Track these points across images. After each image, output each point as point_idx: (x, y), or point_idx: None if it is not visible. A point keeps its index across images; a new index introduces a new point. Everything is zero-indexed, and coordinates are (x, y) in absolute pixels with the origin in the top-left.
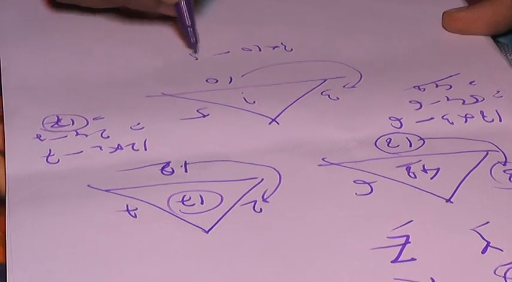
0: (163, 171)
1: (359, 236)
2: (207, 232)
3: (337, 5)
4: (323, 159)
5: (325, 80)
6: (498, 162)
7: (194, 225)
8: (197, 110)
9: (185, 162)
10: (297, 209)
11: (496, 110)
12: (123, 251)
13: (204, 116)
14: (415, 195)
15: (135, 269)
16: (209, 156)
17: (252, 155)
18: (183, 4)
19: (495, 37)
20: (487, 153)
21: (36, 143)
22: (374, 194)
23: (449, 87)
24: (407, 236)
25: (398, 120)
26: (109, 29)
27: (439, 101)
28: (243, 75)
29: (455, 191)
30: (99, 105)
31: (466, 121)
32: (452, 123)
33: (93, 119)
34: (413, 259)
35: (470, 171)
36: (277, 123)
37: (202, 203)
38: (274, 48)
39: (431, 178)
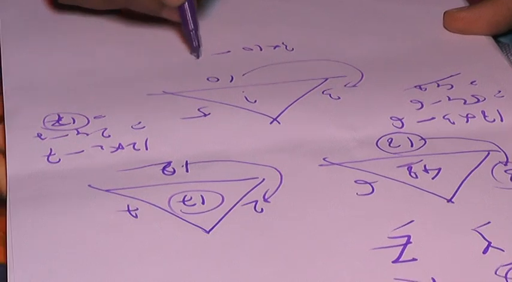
0: (165, 171)
1: (360, 236)
2: (208, 232)
3: (337, 5)
4: (324, 159)
5: (326, 79)
6: (499, 162)
7: (195, 225)
8: (198, 109)
9: (186, 162)
10: (298, 209)
11: (498, 110)
12: (124, 251)
13: (205, 115)
14: (416, 195)
15: (136, 269)
16: (210, 156)
17: (253, 154)
18: (186, 7)
19: (496, 37)
20: (489, 153)
21: (37, 141)
22: (375, 194)
23: (450, 87)
24: (409, 236)
25: (400, 120)
26: (110, 28)
27: (440, 101)
28: (244, 74)
29: (456, 191)
30: (99, 103)
31: (467, 121)
32: (453, 123)
33: (94, 117)
34: (414, 259)
35: (472, 171)
36: (278, 122)
37: (203, 203)
38: (275, 47)
39: (433, 178)
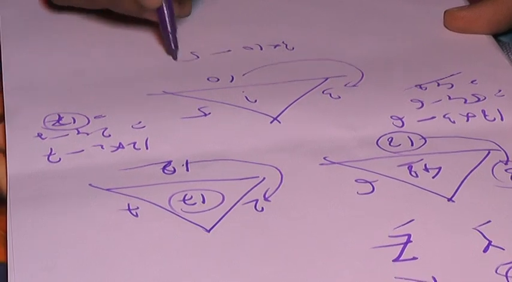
0: (165, 170)
1: (360, 235)
2: (209, 231)
3: (338, 4)
4: (324, 158)
5: (326, 79)
6: (500, 161)
7: (195, 224)
8: (198, 109)
9: (186, 161)
10: (299, 208)
11: (498, 109)
12: (125, 250)
13: (205, 114)
14: (417, 194)
15: (137, 268)
16: (210, 155)
17: (253, 154)
18: (164, 9)
19: (496, 36)
20: (489, 152)
21: (37, 141)
22: (375, 193)
23: (450, 86)
24: (409, 235)
25: (400, 119)
26: (110, 28)
27: (440, 100)
28: (244, 74)
29: (456, 190)
30: (100, 103)
31: (467, 120)
32: (453, 122)
33: (95, 117)
34: (414, 258)
35: (472, 170)
36: (279, 122)
37: (203, 202)
38: (275, 47)
39: (433, 177)
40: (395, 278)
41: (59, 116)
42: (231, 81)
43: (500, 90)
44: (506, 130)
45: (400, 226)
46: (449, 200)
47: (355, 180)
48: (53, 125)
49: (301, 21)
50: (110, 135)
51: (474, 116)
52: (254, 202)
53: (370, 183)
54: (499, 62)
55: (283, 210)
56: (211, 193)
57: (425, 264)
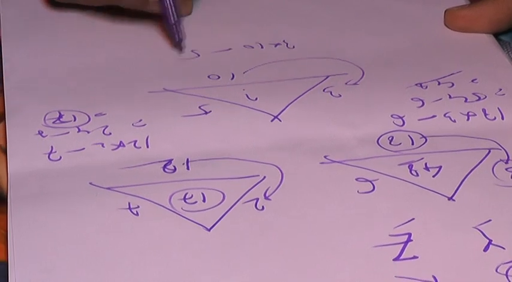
0: (165, 169)
1: (361, 234)
2: (209, 230)
3: (338, 3)
4: (325, 157)
5: (327, 77)
6: (500, 160)
7: (196, 223)
8: (199, 107)
9: (187, 159)
10: (299, 206)
11: (498, 108)
12: (125, 249)
13: (206, 112)
14: (417, 193)
15: (137, 267)
16: (211, 154)
17: (254, 152)
18: (167, 0)
19: (497, 35)
20: (489, 151)
21: (38, 139)
22: (376, 192)
23: (451, 85)
24: (410, 234)
25: (401, 118)
26: (110, 26)
27: (441, 99)
28: (245, 72)
29: (457, 189)
30: (100, 100)
31: (468, 119)
32: (454, 121)
33: (95, 115)
34: (415, 257)
35: (473, 169)
36: (279, 120)
37: (204, 200)
38: (276, 45)
39: (434, 176)
40: (395, 277)
41: (60, 113)
42: (232, 79)
43: (500, 89)
44: (506, 129)
45: (400, 225)
46: (450, 199)
47: (356, 179)
48: (54, 122)
49: (301, 20)
50: (110, 134)
51: (475, 115)
52: (254, 201)
53: (371, 182)
54: (499, 61)
55: (283, 209)
56: (211, 192)
57: (425, 263)
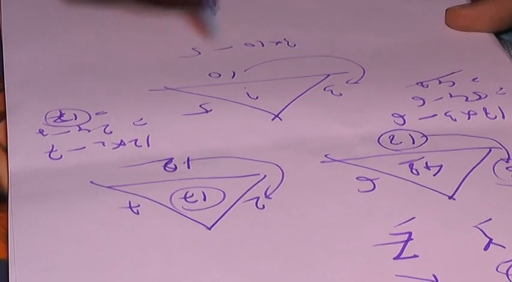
0: (166, 168)
1: (361, 232)
2: (210, 229)
3: (340, 2)
4: (326, 155)
5: (328, 76)
6: (501, 159)
7: (196, 221)
8: (200, 106)
9: (188, 158)
10: (300, 205)
11: (499, 107)
12: (125, 248)
13: (206, 111)
14: (418, 192)
15: (138, 266)
16: (211, 153)
17: (255, 151)
18: None
19: (498, 34)
20: (490, 150)
21: (38, 138)
22: (377, 190)
23: (452, 83)
24: (410, 233)
25: (401, 116)
26: (111, 24)
27: (442, 98)
28: (245, 70)
29: (458, 188)
30: (101, 99)
31: (469, 118)
32: (455, 120)
33: (96, 113)
34: (415, 256)
35: (473, 168)
36: (280, 119)
37: (204, 199)
38: (277, 43)
39: (434, 175)
40: (396, 275)
41: (61, 112)
42: (233, 77)
43: (501, 88)
44: (507, 128)
45: (401, 224)
46: (450, 198)
47: (356, 178)
48: (55, 121)
49: (303, 18)
50: (111, 132)
51: (475, 113)
52: (255, 200)
53: (371, 181)
54: (500, 60)
55: (284, 207)
56: (212, 190)
57: (426, 262)
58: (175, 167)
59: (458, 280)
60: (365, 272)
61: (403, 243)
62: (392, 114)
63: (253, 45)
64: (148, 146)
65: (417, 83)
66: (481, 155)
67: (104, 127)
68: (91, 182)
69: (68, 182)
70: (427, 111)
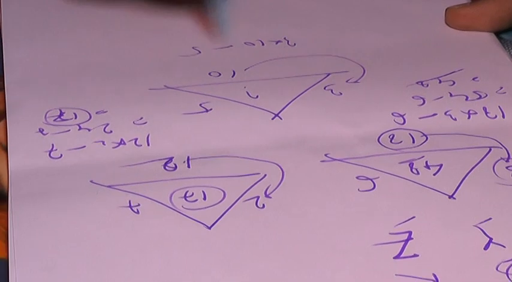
0: (166, 167)
1: (361, 232)
2: (210, 228)
3: (340, 1)
4: (326, 155)
5: (328, 75)
6: (501, 158)
7: (196, 221)
8: (200, 105)
9: (188, 157)
10: (300, 204)
11: (499, 106)
12: (125, 247)
13: (206, 110)
14: (418, 191)
15: (137, 265)
16: (212, 152)
17: (255, 150)
18: None
19: (498, 33)
20: (490, 150)
21: (38, 137)
22: (377, 190)
23: (452, 83)
24: (410, 232)
25: (401, 116)
26: (111, 23)
27: (442, 97)
28: (245, 69)
29: (458, 187)
30: (101, 98)
31: (469, 117)
32: (455, 119)
33: (96, 112)
34: (415, 255)
35: (473, 167)
36: (280, 118)
37: (204, 198)
38: (277, 42)
39: (434, 174)
40: (396, 275)
41: (61, 111)
42: (233, 76)
43: (501, 88)
44: (507, 127)
45: (401, 223)
46: (450, 197)
47: (356, 177)
48: (55, 120)
49: (303, 17)
50: (111, 131)
51: (475, 113)
52: (255, 199)
53: (371, 180)
54: (500, 59)
55: (284, 207)
56: (212, 190)
57: (426, 261)
58: (175, 166)
59: (458, 279)
60: (365, 271)
61: (403, 242)
62: (392, 114)
63: (253, 44)
64: (148, 145)
65: (417, 82)
66: (481, 154)
67: (104, 126)
68: (91, 181)
69: (68, 181)
70: (427, 111)
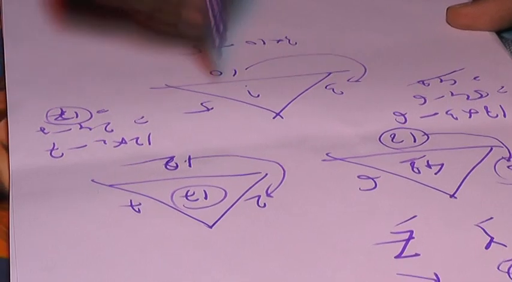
0: (167, 166)
1: (363, 231)
2: (211, 227)
3: (341, 1)
4: (327, 154)
5: (329, 74)
6: (502, 157)
7: (198, 220)
8: (201, 104)
9: (189, 156)
10: (301, 204)
11: (500, 106)
12: (126, 246)
13: (208, 109)
14: (419, 190)
15: (138, 264)
16: (213, 151)
17: (256, 149)
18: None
19: (499, 33)
20: (491, 149)
21: (40, 136)
22: (378, 189)
23: (453, 82)
24: (411, 232)
25: (403, 115)
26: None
27: (443, 96)
28: (247, 68)
29: (459, 187)
30: (102, 97)
31: (470, 116)
32: (456, 119)
33: (97, 111)
34: (417, 254)
35: (474, 166)
36: (281, 117)
37: (206, 198)
38: (278, 41)
39: (436, 173)
40: (397, 274)
41: (62, 110)
42: (234, 75)
43: (502, 87)
44: (508, 127)
45: (402, 222)
46: (452, 196)
47: (358, 177)
48: (56, 119)
49: (304, 17)
50: (112, 130)
51: (477, 112)
52: (256, 198)
53: (373, 179)
54: (501, 58)
55: (285, 206)
56: (213, 189)
57: (427, 260)
58: (177, 166)
59: (460, 279)
60: (366, 270)
61: (404, 241)
62: (393, 113)
63: (255, 43)
64: (149, 144)
65: (418, 82)
66: (483, 153)
67: (105, 125)
68: (92, 180)
69: (69, 180)
70: (428, 110)
